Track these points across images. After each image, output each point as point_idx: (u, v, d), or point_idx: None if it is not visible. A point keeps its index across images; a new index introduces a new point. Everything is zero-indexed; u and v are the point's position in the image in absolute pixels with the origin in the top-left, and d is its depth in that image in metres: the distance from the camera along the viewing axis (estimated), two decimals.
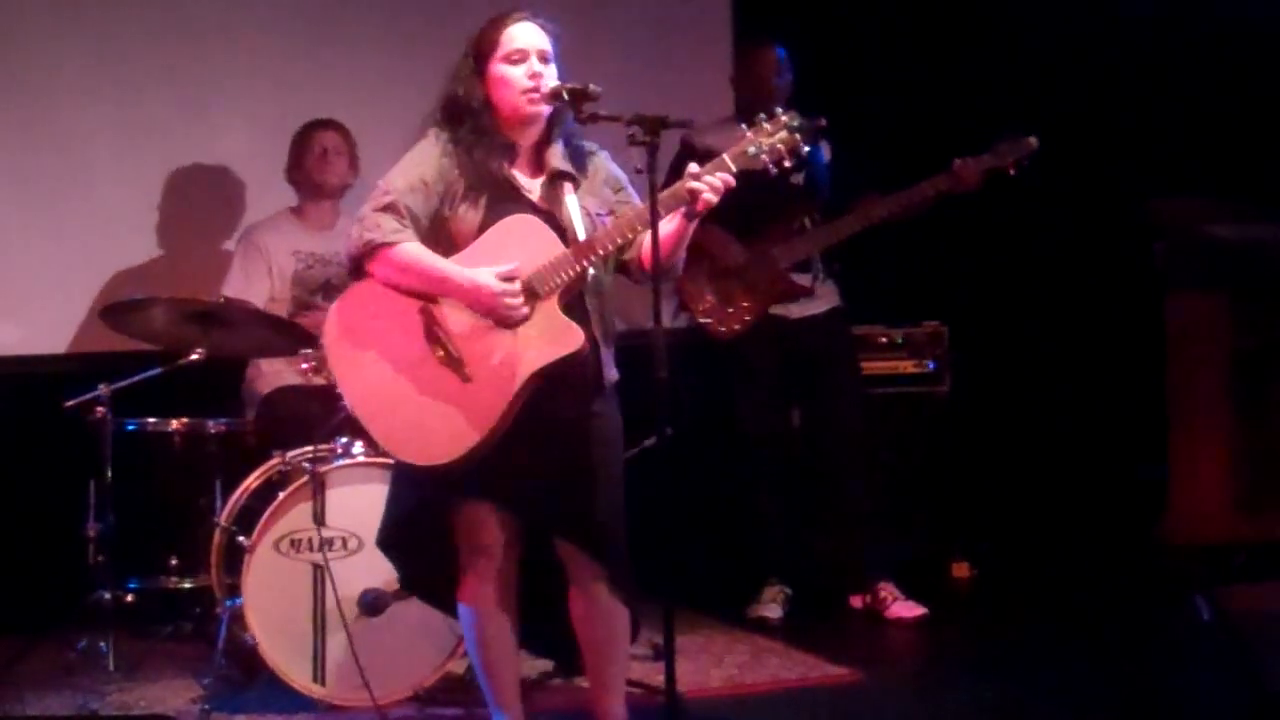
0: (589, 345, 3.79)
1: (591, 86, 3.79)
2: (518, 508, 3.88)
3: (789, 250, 5.61)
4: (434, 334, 3.81)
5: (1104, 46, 6.65)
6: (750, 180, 3.80)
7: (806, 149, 3.78)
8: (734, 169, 3.75)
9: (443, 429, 3.77)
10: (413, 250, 3.80)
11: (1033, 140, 5.53)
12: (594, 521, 3.84)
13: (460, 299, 3.79)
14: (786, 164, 3.78)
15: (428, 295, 3.82)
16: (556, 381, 3.78)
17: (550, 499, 3.84)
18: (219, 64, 5.93)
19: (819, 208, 5.65)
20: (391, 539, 4.00)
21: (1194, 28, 6.42)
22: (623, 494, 3.90)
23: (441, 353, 3.80)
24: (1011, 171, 5.53)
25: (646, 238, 3.78)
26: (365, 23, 6.13)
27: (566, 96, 3.80)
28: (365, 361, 3.85)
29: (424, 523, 3.93)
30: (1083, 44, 6.67)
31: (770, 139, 3.75)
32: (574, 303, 3.82)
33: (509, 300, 3.75)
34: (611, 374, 3.93)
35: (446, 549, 3.94)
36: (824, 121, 4.02)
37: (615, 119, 3.75)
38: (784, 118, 3.77)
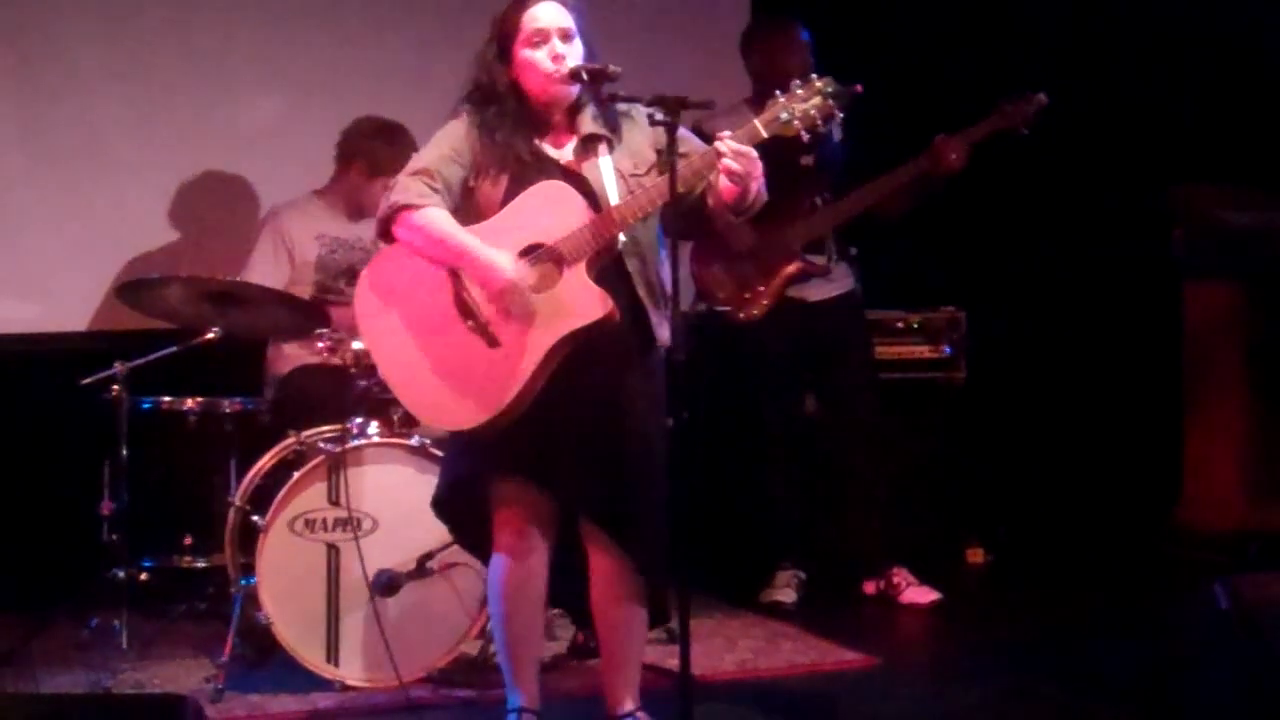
0: (617, 312, 3.74)
1: (611, 67, 3.78)
2: (551, 484, 3.86)
3: (801, 230, 5.58)
4: (463, 299, 3.80)
5: (1123, 30, 6.62)
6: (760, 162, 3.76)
7: (841, 115, 3.73)
8: (765, 135, 3.71)
9: (469, 394, 3.75)
10: (435, 216, 3.79)
11: (1042, 96, 5.47)
12: (619, 506, 3.82)
13: (473, 276, 3.78)
14: (821, 130, 3.73)
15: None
16: (591, 350, 3.75)
17: (579, 477, 3.82)
18: (240, 42, 5.92)
19: (829, 187, 5.62)
20: (442, 501, 4.01)
21: (1214, 11, 6.39)
22: (661, 470, 3.84)
23: (470, 318, 3.79)
24: (1024, 130, 5.48)
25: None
26: (392, 2, 6.12)
27: (585, 77, 3.79)
28: (395, 327, 3.85)
29: (471, 489, 3.92)
30: (1101, 28, 6.64)
31: (804, 104, 3.70)
32: (612, 266, 3.78)
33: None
34: (663, 335, 3.84)
35: (488, 517, 3.94)
36: (860, 88, 3.95)
37: (635, 100, 3.75)
38: (819, 83, 3.71)
